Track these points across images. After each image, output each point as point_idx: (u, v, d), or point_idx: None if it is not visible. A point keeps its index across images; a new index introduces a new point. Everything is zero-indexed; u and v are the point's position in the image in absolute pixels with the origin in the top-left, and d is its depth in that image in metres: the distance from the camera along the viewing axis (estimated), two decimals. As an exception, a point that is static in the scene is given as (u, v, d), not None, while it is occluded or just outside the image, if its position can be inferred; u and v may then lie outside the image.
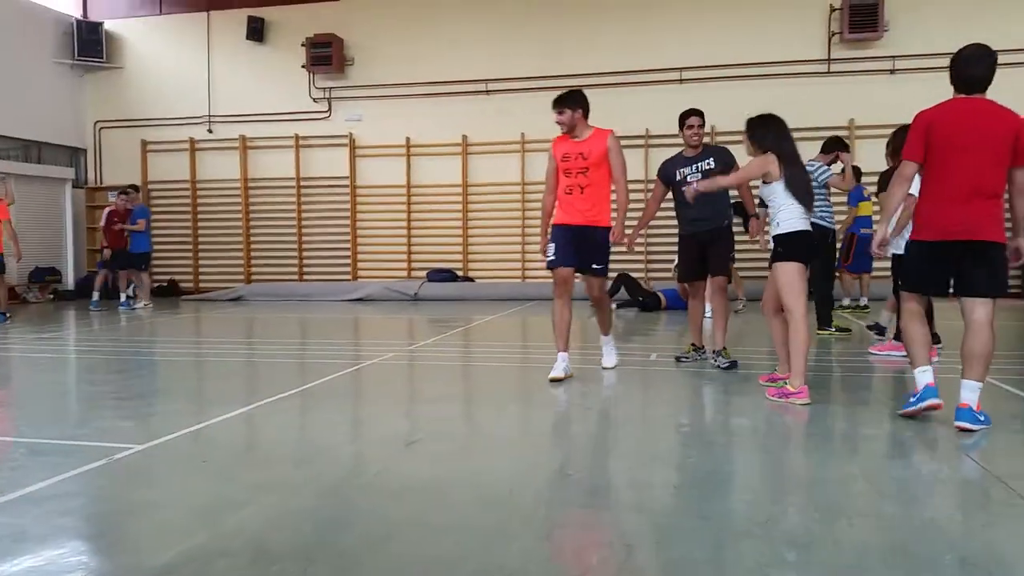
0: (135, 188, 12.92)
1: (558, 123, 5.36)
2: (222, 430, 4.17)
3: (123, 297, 12.39)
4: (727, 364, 5.73)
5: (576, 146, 5.35)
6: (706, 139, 6.16)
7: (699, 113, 5.99)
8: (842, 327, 7.83)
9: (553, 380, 5.32)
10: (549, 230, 5.48)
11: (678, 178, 5.93)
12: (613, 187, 5.42)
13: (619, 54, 13.44)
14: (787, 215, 4.81)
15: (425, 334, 8.98)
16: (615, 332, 6.18)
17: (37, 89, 14.75)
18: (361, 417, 4.76)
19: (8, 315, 10.32)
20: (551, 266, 5.42)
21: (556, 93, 5.45)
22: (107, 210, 12.67)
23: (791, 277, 4.75)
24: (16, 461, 3.52)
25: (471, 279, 14.07)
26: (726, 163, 5.80)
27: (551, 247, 5.40)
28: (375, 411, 4.86)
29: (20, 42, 14.37)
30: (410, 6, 14.33)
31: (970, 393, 3.86)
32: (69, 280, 15.23)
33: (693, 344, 6.24)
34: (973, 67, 3.88)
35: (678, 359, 6.18)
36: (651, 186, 13.35)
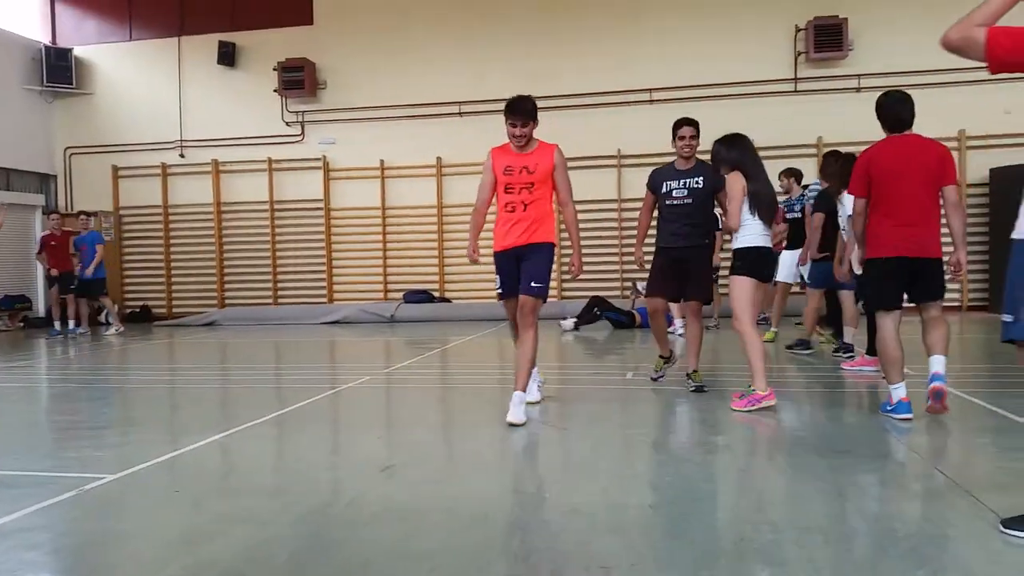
0: (87, 214, 12.86)
1: (518, 136, 4.86)
2: (196, 458, 4.12)
3: (71, 324, 12.32)
4: (694, 387, 5.57)
5: (520, 159, 4.90)
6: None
7: (692, 123, 5.59)
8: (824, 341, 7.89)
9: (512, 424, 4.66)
10: (482, 251, 5.09)
11: (663, 190, 5.60)
12: (558, 208, 5.07)
13: (591, 74, 13.58)
14: (747, 231, 5.08)
15: (402, 356, 8.94)
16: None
17: (5, 115, 14.59)
18: (337, 443, 4.73)
19: None
20: (501, 297, 5.13)
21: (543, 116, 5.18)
22: (42, 235, 12.79)
23: (743, 290, 5.04)
24: (-18, 495, 3.45)
25: (448, 300, 14.05)
26: (715, 186, 5.48)
27: (500, 280, 5.05)
28: (351, 436, 4.83)
29: (-14, 69, 14.24)
30: (382, 29, 14.40)
31: (939, 366, 4.47)
32: (40, 307, 14.99)
33: (661, 355, 6.02)
34: (900, 110, 4.55)
35: (653, 379, 6.05)
36: (625, 206, 13.53)
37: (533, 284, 4.87)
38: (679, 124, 5.62)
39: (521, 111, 4.84)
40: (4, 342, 11.50)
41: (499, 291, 5.09)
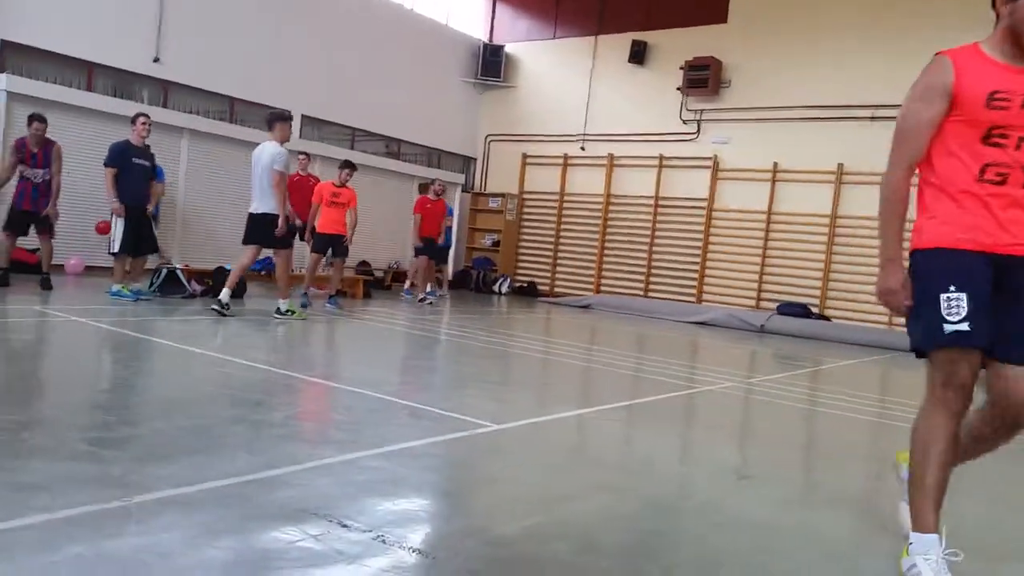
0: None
1: None
2: (561, 426, 4.45)
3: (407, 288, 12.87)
4: None
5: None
6: None
7: None
8: None
9: None
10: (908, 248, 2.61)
11: None
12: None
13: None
14: None
15: (768, 369, 8.61)
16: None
17: (444, 103, 17.09)
18: (692, 441, 4.74)
19: (339, 302, 9.97)
20: (956, 343, 2.41)
21: None
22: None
23: None
24: (401, 420, 4.15)
25: (827, 318, 13.15)
26: None
27: (959, 300, 2.41)
28: (707, 438, 4.80)
29: (437, 63, 16.79)
30: (796, 28, 13.85)
31: None
32: (450, 271, 17.35)
33: None
34: None
35: None
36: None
37: None
38: None
39: None
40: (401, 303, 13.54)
41: (957, 327, 2.40)
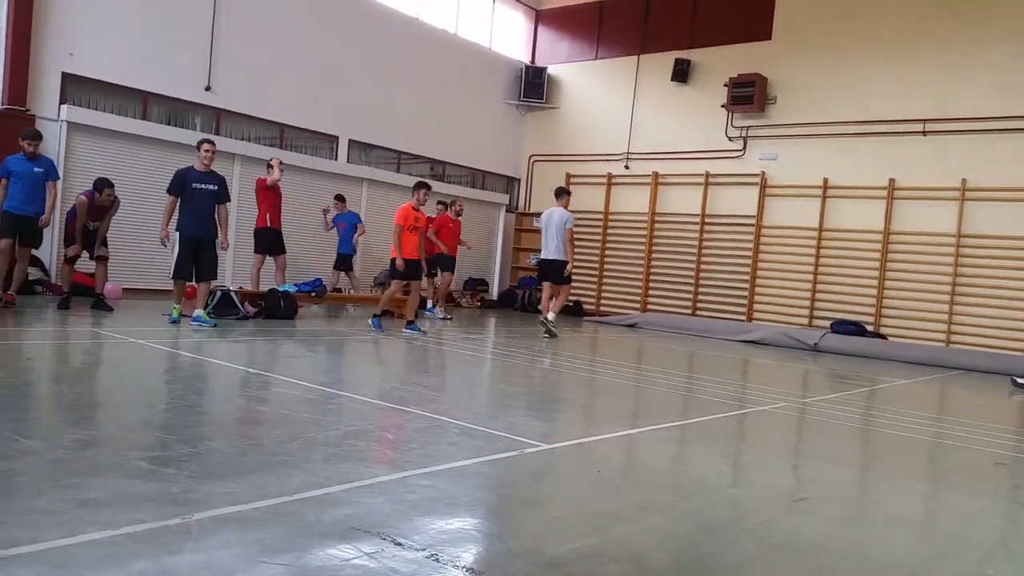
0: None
1: None
2: (610, 446, 4.41)
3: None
4: None
5: None
6: None
7: None
8: None
9: None
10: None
11: None
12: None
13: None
14: None
15: (822, 388, 8.42)
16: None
17: (487, 125, 17.24)
18: (745, 462, 4.65)
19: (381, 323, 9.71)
20: None
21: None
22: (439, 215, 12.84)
23: None
24: (452, 439, 4.16)
25: (882, 336, 12.81)
26: None
27: None
28: (760, 459, 4.71)
29: (480, 85, 16.97)
30: (844, 42, 13.65)
31: None
32: (494, 291, 17.43)
33: None
34: None
35: None
36: None
37: None
38: None
39: None
40: (466, 317, 13.61)
41: None
